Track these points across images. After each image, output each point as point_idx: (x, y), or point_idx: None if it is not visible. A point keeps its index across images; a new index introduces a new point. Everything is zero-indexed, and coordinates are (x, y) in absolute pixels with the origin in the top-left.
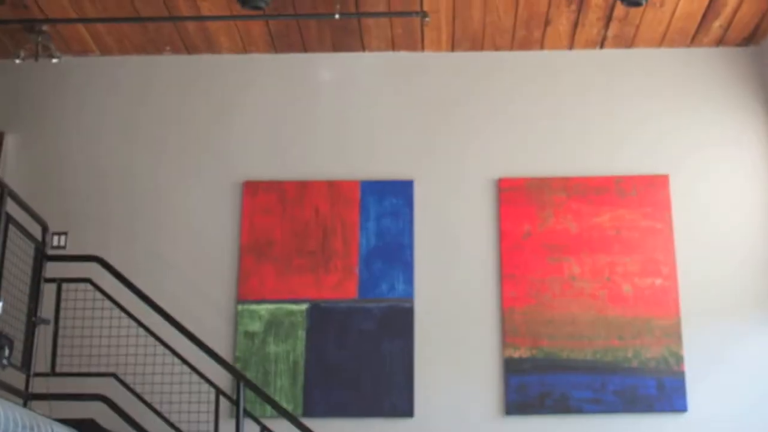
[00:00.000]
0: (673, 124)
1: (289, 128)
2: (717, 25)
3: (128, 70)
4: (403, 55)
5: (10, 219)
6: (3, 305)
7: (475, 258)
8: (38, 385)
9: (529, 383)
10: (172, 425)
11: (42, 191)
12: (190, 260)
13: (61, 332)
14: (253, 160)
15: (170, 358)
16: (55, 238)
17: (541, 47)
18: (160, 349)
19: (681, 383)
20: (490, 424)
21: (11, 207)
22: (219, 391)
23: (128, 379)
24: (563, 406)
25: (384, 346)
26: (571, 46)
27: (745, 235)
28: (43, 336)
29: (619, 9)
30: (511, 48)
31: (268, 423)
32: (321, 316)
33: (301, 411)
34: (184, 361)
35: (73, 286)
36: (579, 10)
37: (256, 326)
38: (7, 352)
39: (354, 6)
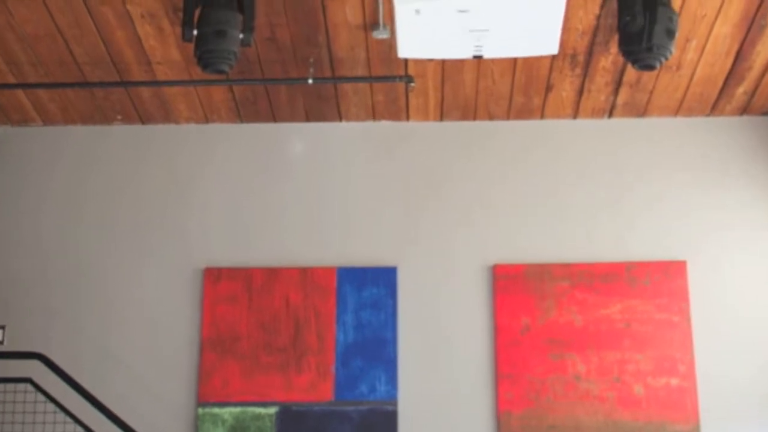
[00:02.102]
0: (690, 203)
1: (256, 207)
2: (741, 91)
3: (74, 141)
4: (385, 126)
5: None
6: None
7: (466, 355)
8: None
9: None
10: None
11: None
12: (144, 357)
13: None
14: (215, 243)
15: None
16: None
17: (542, 116)
18: None
19: None
20: None
21: None
22: None
23: None
24: None
25: None
26: (575, 115)
27: None
28: None
29: (630, 73)
30: (508, 117)
31: None
32: (292, 421)
33: None
34: None
35: (11, 386)
36: (584, 75)
37: None
38: None
39: (329, 70)
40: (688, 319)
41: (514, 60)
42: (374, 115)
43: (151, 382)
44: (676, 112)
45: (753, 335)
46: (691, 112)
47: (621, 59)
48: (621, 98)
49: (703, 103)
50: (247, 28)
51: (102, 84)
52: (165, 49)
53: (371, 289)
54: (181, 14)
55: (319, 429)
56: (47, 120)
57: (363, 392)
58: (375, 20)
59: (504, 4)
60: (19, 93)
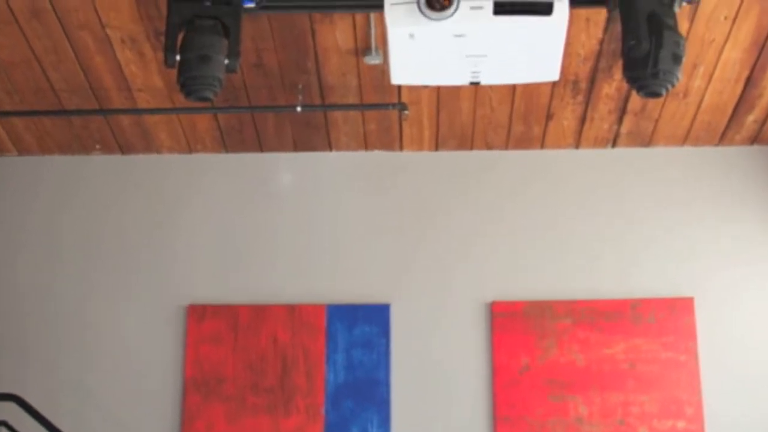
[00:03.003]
0: (698, 237)
1: (242, 242)
2: (751, 119)
3: (51, 172)
4: (377, 156)
5: None
6: None
7: (463, 396)
8: None
9: None
10: None
11: None
12: (124, 399)
13: None
14: (198, 279)
15: None
16: None
17: (542, 146)
18: None
19: None
20: None
21: None
22: None
23: None
24: None
25: None
26: (577, 145)
27: None
28: None
29: (635, 101)
30: (507, 147)
31: None
32: None
33: None
34: None
35: None
36: (587, 102)
37: None
38: None
39: (319, 97)
40: (695, 359)
41: (513, 87)
42: (366, 144)
43: (132, 425)
44: (683, 141)
45: (764, 375)
46: (698, 142)
47: (625, 86)
48: (625, 127)
49: (711, 132)
50: (233, 53)
51: (80, 112)
52: (146, 75)
53: (363, 327)
54: (163, 39)
55: None
56: (22, 150)
57: None
58: (367, 45)
59: (502, 29)
60: None
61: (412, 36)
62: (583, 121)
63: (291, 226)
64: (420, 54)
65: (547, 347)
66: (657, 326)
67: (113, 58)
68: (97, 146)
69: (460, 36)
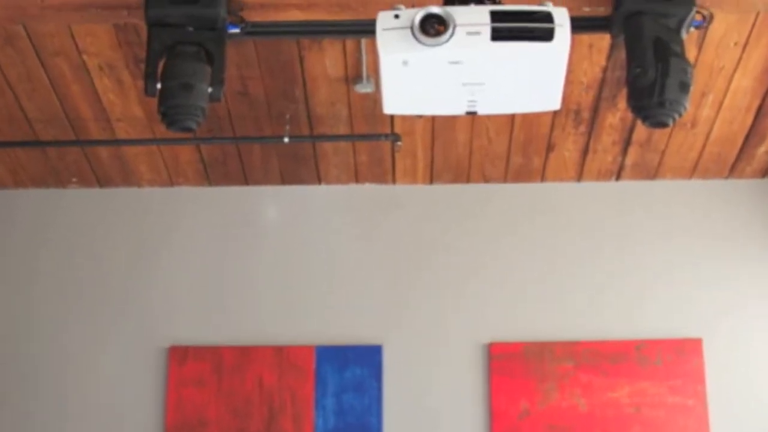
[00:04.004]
0: (707, 274)
1: (226, 280)
2: (762, 151)
3: (25, 207)
4: (369, 189)
5: None
6: None
7: None
8: None
9: None
10: None
11: None
12: None
13: None
14: (180, 319)
15: None
16: None
17: (543, 179)
18: None
19: None
20: None
21: None
22: None
23: None
24: None
25: None
26: (579, 178)
27: None
28: None
29: (640, 131)
30: (505, 180)
31: None
32: None
33: None
34: None
35: None
36: (590, 133)
37: None
38: None
39: (307, 127)
40: (704, 403)
41: (512, 117)
42: (357, 177)
43: None
44: (691, 174)
45: None
46: (707, 174)
47: (630, 116)
48: (630, 159)
49: (720, 164)
50: (217, 81)
51: (56, 143)
52: (125, 104)
53: (354, 370)
54: (143, 66)
55: None
56: None
57: None
58: (358, 73)
59: (501, 56)
60: None
61: (405, 63)
62: (585, 152)
63: (278, 263)
64: (414, 82)
65: (548, 391)
66: (664, 369)
67: (90, 86)
68: (74, 179)
69: (456, 63)
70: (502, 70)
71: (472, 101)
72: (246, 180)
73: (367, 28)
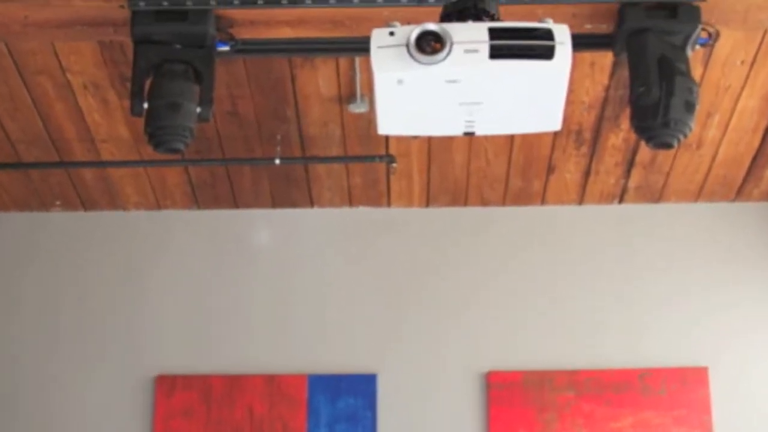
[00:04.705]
0: (713, 301)
1: (215, 306)
2: None
3: (7, 230)
4: (363, 212)
5: None
6: None
7: None
8: None
9: None
10: None
11: None
12: None
13: None
14: (168, 347)
15: None
16: None
17: (543, 202)
18: None
19: None
20: None
21: None
22: None
23: None
24: None
25: None
26: (581, 201)
27: None
28: None
29: (644, 152)
30: (504, 203)
31: None
32: None
33: None
34: None
35: None
36: (591, 154)
37: None
38: None
39: (299, 149)
40: None
41: (511, 138)
42: (351, 200)
43: None
44: (697, 196)
45: None
46: (713, 197)
47: (633, 137)
48: (633, 181)
49: (727, 186)
50: (205, 100)
51: (39, 165)
52: (111, 124)
53: (347, 400)
54: (129, 85)
55: None
56: None
57: None
58: (351, 92)
59: (499, 74)
60: None
61: (400, 82)
62: (587, 174)
63: (269, 289)
64: (409, 101)
65: (548, 421)
66: (668, 398)
67: (75, 105)
68: (58, 202)
69: (453, 82)
70: (501, 89)
71: (469, 121)
72: (236, 203)
73: (361, 46)
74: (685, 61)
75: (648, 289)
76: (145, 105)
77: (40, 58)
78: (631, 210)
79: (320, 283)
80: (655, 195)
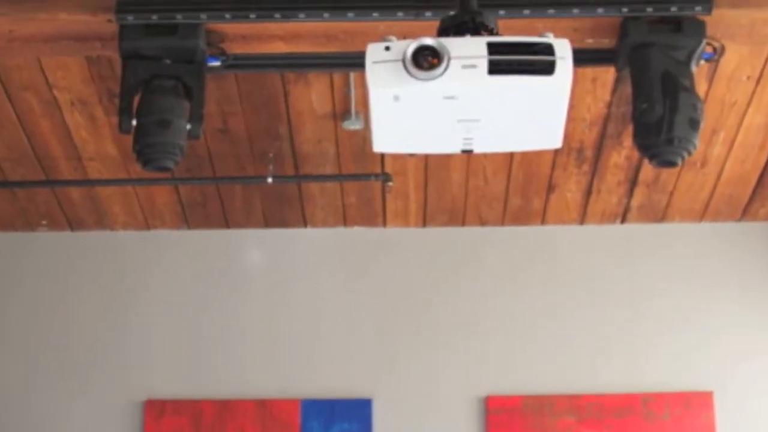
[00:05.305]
0: (718, 323)
1: (206, 329)
2: None
3: None
4: (358, 233)
5: None
6: None
7: None
8: None
9: None
10: None
11: None
12: None
13: None
14: (157, 370)
15: None
16: None
17: (543, 221)
18: None
19: None
20: None
21: None
22: None
23: None
24: None
25: None
26: (582, 220)
27: None
28: None
29: (647, 171)
30: (503, 222)
31: None
32: None
33: None
34: None
35: None
36: (593, 173)
37: None
38: None
39: (292, 167)
40: None
41: (510, 155)
42: (345, 220)
43: None
44: (701, 216)
45: None
46: (718, 217)
47: (636, 154)
48: (636, 200)
49: (732, 205)
50: (196, 117)
51: (24, 183)
52: (98, 142)
53: (342, 425)
54: (117, 101)
55: None
56: None
57: None
58: (346, 108)
59: (498, 90)
60: None
61: (396, 98)
62: (588, 193)
63: (261, 311)
64: (406, 118)
65: None
66: (672, 424)
67: (61, 123)
68: (44, 222)
69: (450, 98)
70: (500, 105)
71: (467, 139)
72: (227, 223)
73: (356, 61)
74: (690, 76)
75: (651, 312)
76: (134, 122)
77: (25, 74)
78: (633, 230)
79: (314, 306)
80: (659, 215)
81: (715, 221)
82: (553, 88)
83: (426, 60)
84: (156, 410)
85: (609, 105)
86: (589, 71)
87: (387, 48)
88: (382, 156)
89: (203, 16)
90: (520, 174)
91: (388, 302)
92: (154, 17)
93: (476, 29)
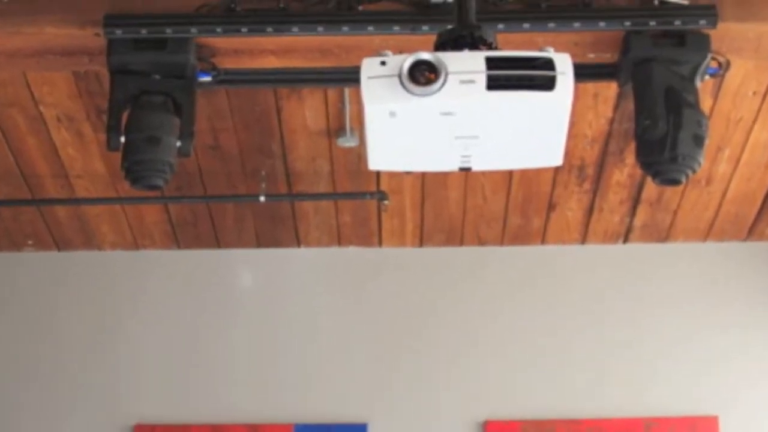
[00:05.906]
0: (723, 346)
1: (196, 352)
2: None
3: None
4: (352, 253)
5: None
6: None
7: None
8: None
9: None
10: None
11: None
12: None
13: None
14: (147, 394)
15: None
16: None
17: (543, 241)
18: None
19: None
20: None
21: None
22: None
23: None
24: None
25: None
26: (583, 240)
27: None
28: None
29: (650, 189)
30: (502, 242)
31: None
32: None
33: None
34: None
35: None
36: (595, 191)
37: None
38: None
39: (286, 185)
40: None
41: (509, 173)
42: (340, 239)
43: None
44: (706, 236)
45: None
46: (723, 236)
47: (639, 172)
48: (639, 219)
49: (738, 225)
50: (186, 134)
51: (9, 202)
52: (86, 159)
53: None
54: (105, 117)
55: None
56: None
57: None
58: (340, 125)
59: (497, 106)
60: None
61: (393, 114)
62: (590, 212)
63: (253, 333)
64: (402, 135)
65: None
66: None
67: (48, 139)
68: (30, 242)
69: (448, 114)
70: (499, 122)
71: (465, 156)
72: (218, 243)
73: (351, 76)
74: (694, 92)
75: (654, 334)
76: (122, 139)
77: (10, 90)
78: (636, 250)
79: (307, 327)
80: (662, 234)
81: (720, 241)
82: (554, 104)
83: (423, 75)
84: None
85: (611, 121)
86: (590, 87)
87: (383, 63)
88: (378, 174)
89: (193, 30)
90: (520, 192)
91: (384, 324)
92: (143, 31)
93: (474, 43)
